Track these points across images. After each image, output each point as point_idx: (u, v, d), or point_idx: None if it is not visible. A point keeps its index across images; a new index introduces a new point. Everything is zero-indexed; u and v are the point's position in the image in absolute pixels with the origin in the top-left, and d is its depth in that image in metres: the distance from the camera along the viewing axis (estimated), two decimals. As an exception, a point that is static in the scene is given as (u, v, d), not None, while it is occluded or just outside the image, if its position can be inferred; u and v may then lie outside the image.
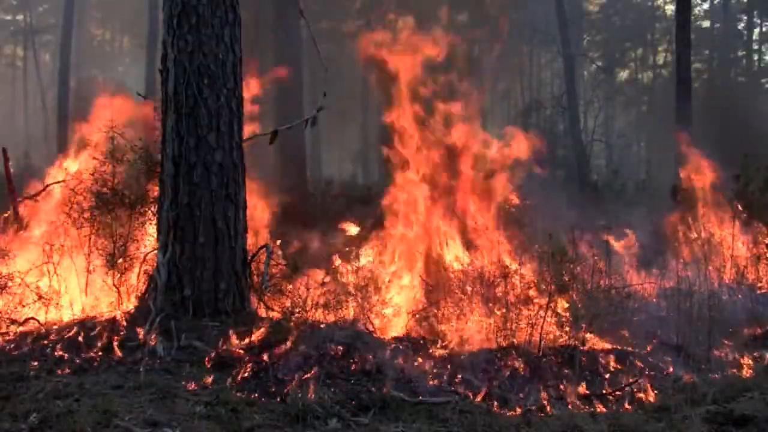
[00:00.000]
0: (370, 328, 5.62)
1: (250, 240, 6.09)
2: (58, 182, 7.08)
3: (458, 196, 7.04)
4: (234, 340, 4.99)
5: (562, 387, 4.70)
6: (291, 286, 6.20)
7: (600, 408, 4.41)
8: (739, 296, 7.31)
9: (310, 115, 6.38)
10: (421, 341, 5.42)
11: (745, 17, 37.29)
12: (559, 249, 5.82)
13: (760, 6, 33.81)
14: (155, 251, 5.81)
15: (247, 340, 4.94)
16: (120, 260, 6.16)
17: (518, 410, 4.31)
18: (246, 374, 4.56)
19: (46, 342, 5.14)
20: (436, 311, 5.87)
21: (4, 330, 5.43)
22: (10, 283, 5.92)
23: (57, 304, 5.93)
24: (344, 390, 4.39)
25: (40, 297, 5.89)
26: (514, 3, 34.29)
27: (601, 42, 38.69)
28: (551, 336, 5.31)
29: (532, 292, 5.73)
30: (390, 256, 6.86)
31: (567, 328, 5.37)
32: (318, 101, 6.49)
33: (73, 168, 6.92)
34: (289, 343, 4.87)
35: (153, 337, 4.95)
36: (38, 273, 6.19)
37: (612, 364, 5.21)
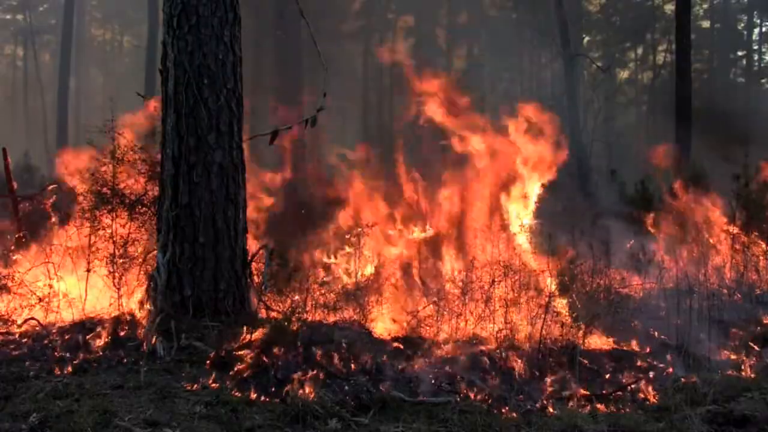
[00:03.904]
0: (370, 328, 5.62)
1: (250, 240, 6.08)
2: (58, 182, 7.08)
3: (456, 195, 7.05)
4: (234, 340, 4.99)
5: (562, 387, 4.70)
6: (291, 286, 6.21)
7: (600, 408, 4.41)
8: (739, 296, 7.31)
9: (309, 115, 6.37)
10: (422, 341, 5.42)
11: (745, 17, 37.30)
12: (559, 249, 5.82)
13: (760, 6, 33.80)
14: (155, 251, 5.80)
15: (247, 340, 4.94)
16: (120, 260, 6.16)
17: (518, 410, 4.31)
18: (246, 374, 4.55)
19: (46, 342, 5.14)
20: (436, 311, 5.87)
21: (4, 330, 5.44)
22: (10, 283, 5.93)
23: (57, 304, 5.93)
24: (344, 390, 4.39)
25: (41, 298, 5.90)
26: (514, 3, 34.31)
27: (601, 42, 38.67)
28: (551, 336, 5.31)
29: (532, 292, 5.74)
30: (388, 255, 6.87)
31: (567, 328, 5.37)
32: (318, 101, 6.48)
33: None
34: (289, 343, 4.86)
35: (153, 337, 4.94)
36: (38, 273, 6.19)
37: (612, 364, 5.21)
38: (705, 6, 38.43)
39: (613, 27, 37.63)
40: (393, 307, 6.17)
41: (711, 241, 8.60)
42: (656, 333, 5.93)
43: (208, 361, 4.74)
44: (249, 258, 5.87)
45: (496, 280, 5.84)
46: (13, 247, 6.83)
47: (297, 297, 5.94)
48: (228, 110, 5.64)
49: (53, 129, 30.38)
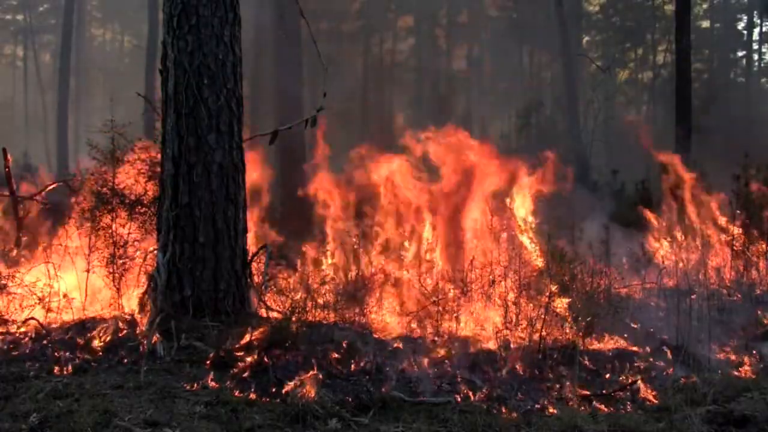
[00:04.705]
0: (370, 328, 5.62)
1: (250, 240, 6.08)
2: (58, 182, 7.08)
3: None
4: (234, 340, 4.99)
5: (562, 387, 4.70)
6: (291, 287, 6.21)
7: (600, 408, 4.41)
8: (739, 296, 7.31)
9: (310, 115, 6.38)
10: (421, 341, 5.42)
11: (745, 17, 37.32)
12: (559, 249, 5.82)
13: (760, 6, 33.80)
14: (155, 251, 5.81)
15: (247, 340, 4.94)
16: (120, 260, 6.16)
17: (518, 410, 4.31)
18: (246, 374, 4.55)
19: (46, 342, 5.14)
20: (436, 311, 5.87)
21: (4, 330, 5.44)
22: (10, 284, 5.93)
23: (57, 304, 5.93)
24: (344, 390, 4.39)
25: (41, 298, 5.89)
26: (514, 3, 34.29)
27: (601, 42, 38.67)
28: (551, 336, 5.31)
29: (532, 291, 5.74)
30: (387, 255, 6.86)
31: (567, 328, 5.37)
32: (318, 101, 6.49)
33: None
34: (289, 343, 4.86)
35: (153, 337, 4.94)
36: (38, 273, 6.19)
37: (612, 364, 5.21)
38: (705, 6, 38.43)
39: (613, 27, 37.61)
40: (393, 307, 6.18)
41: (711, 241, 8.60)
42: (656, 333, 5.93)
43: (208, 361, 4.74)
44: (249, 258, 5.87)
45: (496, 280, 5.84)
46: (13, 247, 6.83)
47: (297, 297, 5.94)
48: (228, 110, 5.64)
49: (53, 129, 30.38)
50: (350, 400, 4.23)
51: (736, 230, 8.47)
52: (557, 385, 4.72)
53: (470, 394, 4.49)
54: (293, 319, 5.15)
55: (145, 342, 4.94)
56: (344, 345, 4.95)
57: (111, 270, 6.12)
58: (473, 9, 36.43)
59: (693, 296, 6.03)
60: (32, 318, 5.58)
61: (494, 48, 36.47)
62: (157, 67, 6.23)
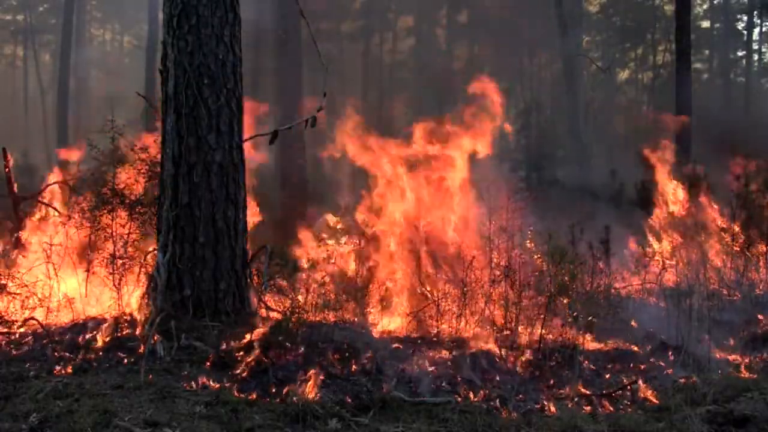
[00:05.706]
0: (370, 328, 5.62)
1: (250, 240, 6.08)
2: (58, 182, 7.08)
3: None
4: (234, 340, 4.99)
5: (562, 387, 4.70)
6: (291, 287, 6.21)
7: (600, 408, 4.41)
8: (739, 296, 7.31)
9: (309, 115, 6.38)
10: (421, 341, 5.42)
11: (745, 17, 37.31)
12: (559, 249, 5.82)
13: (760, 6, 33.81)
14: (155, 251, 5.81)
15: (247, 340, 4.94)
16: (120, 260, 6.16)
17: (518, 410, 4.31)
18: (246, 374, 4.56)
19: (46, 342, 5.14)
20: (436, 311, 5.87)
21: (4, 330, 5.43)
22: (10, 284, 5.93)
23: (57, 304, 5.93)
24: (344, 390, 4.39)
25: (41, 298, 5.89)
26: (514, 3, 34.26)
27: (601, 42, 38.65)
28: (551, 336, 5.31)
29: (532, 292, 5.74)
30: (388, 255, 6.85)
31: (567, 328, 5.37)
32: (318, 101, 6.49)
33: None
34: (289, 343, 4.86)
35: (153, 337, 4.94)
36: (38, 273, 6.19)
37: (612, 364, 5.21)
38: (705, 6, 38.43)
39: (613, 27, 37.60)
40: (393, 307, 6.17)
41: (711, 241, 8.60)
42: (656, 333, 5.93)
43: (208, 361, 4.74)
44: (249, 258, 5.87)
45: (496, 280, 5.84)
46: (13, 247, 6.83)
47: (299, 297, 5.94)
48: (228, 110, 5.64)
49: (53, 129, 30.38)
50: (350, 400, 4.23)
51: (736, 230, 8.48)
52: (557, 385, 4.72)
53: (470, 394, 4.49)
54: (293, 319, 5.15)
55: (145, 342, 4.94)
56: (344, 345, 4.95)
57: (111, 270, 6.12)
58: (473, 9, 36.38)
59: (693, 296, 6.02)
60: (32, 318, 5.58)
61: (494, 48, 36.41)
62: (157, 67, 6.23)
